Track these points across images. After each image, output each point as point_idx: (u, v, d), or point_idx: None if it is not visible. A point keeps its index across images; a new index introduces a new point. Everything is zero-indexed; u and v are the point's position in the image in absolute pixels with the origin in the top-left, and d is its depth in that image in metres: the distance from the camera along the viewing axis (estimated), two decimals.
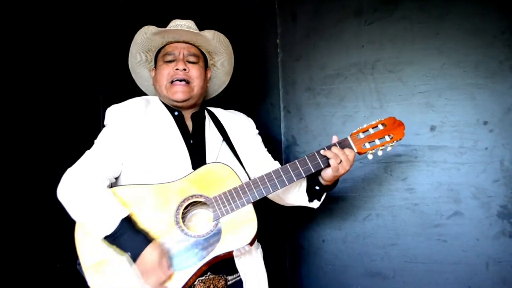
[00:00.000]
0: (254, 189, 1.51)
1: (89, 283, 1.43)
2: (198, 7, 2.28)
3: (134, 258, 1.40)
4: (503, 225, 1.86)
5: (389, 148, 1.56)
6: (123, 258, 1.43)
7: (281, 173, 1.53)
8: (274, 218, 2.08)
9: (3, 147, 1.96)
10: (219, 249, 1.45)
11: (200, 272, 1.48)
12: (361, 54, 2.07)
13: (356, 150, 1.55)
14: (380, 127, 1.57)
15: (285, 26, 2.22)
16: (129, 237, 1.41)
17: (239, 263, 1.56)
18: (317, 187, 1.64)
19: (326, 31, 2.14)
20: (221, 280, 1.53)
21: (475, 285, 1.88)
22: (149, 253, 1.39)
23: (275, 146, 2.20)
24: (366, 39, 2.07)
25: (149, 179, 1.52)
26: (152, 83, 1.76)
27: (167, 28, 1.68)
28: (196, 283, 1.50)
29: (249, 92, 2.28)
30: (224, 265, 1.53)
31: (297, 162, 1.54)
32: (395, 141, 1.55)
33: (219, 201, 1.49)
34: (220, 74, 1.83)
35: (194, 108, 1.71)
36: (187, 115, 1.70)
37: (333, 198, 2.08)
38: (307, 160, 1.54)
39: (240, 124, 1.76)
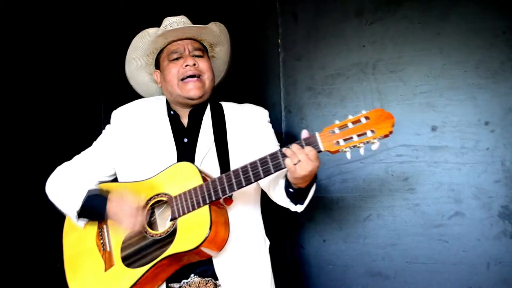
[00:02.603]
0: (211, 190, 1.41)
1: (67, 277, 1.56)
2: (198, 7, 2.28)
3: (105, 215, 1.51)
4: (504, 225, 1.85)
5: (374, 146, 1.29)
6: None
7: (240, 173, 1.39)
8: (274, 218, 2.08)
9: (4, 148, 1.96)
10: (171, 250, 1.40)
11: (162, 273, 1.45)
12: (362, 54, 2.07)
13: (322, 148, 1.31)
14: (363, 120, 1.31)
15: (286, 25, 2.22)
16: (94, 200, 1.52)
17: (217, 267, 1.49)
18: (290, 190, 1.45)
19: (327, 30, 2.13)
20: (208, 284, 1.49)
21: (476, 285, 1.87)
22: (110, 204, 1.49)
23: None
24: (367, 39, 2.06)
25: (138, 178, 1.56)
26: (160, 85, 1.73)
27: (165, 27, 1.65)
28: (182, 285, 1.49)
29: (250, 92, 2.27)
30: (212, 268, 1.49)
31: (257, 162, 1.38)
32: (378, 137, 1.27)
33: (178, 200, 1.44)
34: (219, 64, 1.82)
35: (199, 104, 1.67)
36: (185, 113, 1.67)
37: (334, 198, 2.07)
38: (268, 159, 1.36)
39: (246, 118, 1.68)
